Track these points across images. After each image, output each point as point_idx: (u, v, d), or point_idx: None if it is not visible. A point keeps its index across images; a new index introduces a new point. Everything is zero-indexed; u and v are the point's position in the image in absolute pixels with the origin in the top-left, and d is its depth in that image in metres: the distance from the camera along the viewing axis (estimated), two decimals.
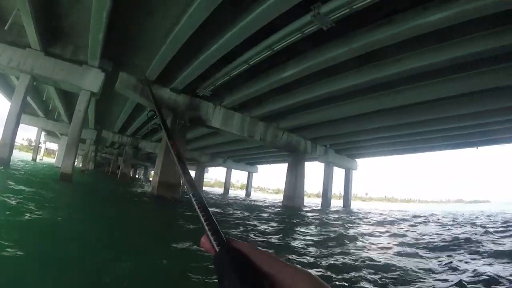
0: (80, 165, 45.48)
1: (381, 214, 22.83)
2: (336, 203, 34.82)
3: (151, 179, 63.47)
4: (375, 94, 15.12)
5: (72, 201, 9.48)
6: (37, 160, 47.72)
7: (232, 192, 66.16)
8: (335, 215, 18.69)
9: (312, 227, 11.76)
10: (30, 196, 8.10)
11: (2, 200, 6.70)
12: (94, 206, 9.68)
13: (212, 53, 12.60)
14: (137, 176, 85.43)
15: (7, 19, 13.28)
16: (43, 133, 48.58)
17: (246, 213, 14.85)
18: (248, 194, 55.35)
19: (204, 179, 57.63)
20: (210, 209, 0.60)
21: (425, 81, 13.08)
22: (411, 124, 18.71)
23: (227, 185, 54.55)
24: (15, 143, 16.92)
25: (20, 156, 40.45)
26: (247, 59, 12.98)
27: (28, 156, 55.07)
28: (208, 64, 13.90)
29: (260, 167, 55.53)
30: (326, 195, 30.00)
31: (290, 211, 19.27)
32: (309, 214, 18.23)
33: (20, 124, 17.07)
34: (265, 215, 15.06)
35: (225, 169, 53.66)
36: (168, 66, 14.93)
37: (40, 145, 53.00)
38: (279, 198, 46.73)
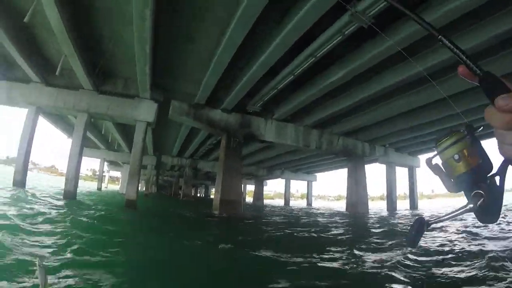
0: (144, 189, 47.84)
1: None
2: (402, 205, 32.94)
3: (212, 196, 65.13)
4: (425, 86, 14.18)
5: (140, 235, 9.86)
6: (102, 188, 50.91)
7: (293, 203, 65.60)
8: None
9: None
10: (100, 230, 8.52)
11: (72, 234, 7.12)
12: (159, 235, 9.99)
13: (256, 70, 12.75)
14: (198, 195, 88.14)
15: (57, 65, 14.34)
16: (105, 163, 51.98)
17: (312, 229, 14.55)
18: (309, 203, 54.60)
19: (264, 192, 57.80)
20: None
21: (491, 56, 11.73)
22: (471, 110, 16.94)
23: (287, 196, 54.20)
24: (80, 174, 18.27)
25: (85, 186, 43.69)
26: (292, 70, 12.92)
27: (93, 185, 59.15)
28: (254, 81, 14.08)
29: (319, 175, 54.56)
30: (390, 198, 28.58)
31: (357, 220, 18.52)
32: (384, 223, 17.24)
33: (84, 157, 18.37)
34: (334, 230, 14.56)
35: (283, 180, 53.46)
36: (216, 88, 15.38)
37: (104, 174, 56.51)
38: (341, 205, 45.51)
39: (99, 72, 16.24)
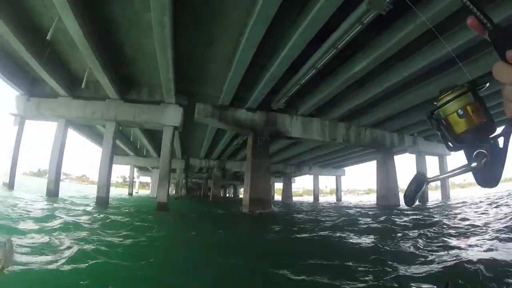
0: (174, 193, 48.63)
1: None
2: (433, 196, 31.84)
3: (241, 196, 65.50)
4: (456, 67, 13.57)
5: (175, 234, 10.10)
6: (133, 193, 52.21)
7: (322, 199, 64.98)
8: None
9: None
10: (134, 233, 8.73)
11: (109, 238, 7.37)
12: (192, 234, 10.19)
13: (277, 67, 12.76)
14: (227, 195, 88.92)
15: (82, 78, 14.96)
16: (135, 169, 53.30)
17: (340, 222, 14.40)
18: (339, 198, 53.90)
19: (292, 189, 57.62)
20: None
21: None
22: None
23: (316, 192, 53.71)
24: (111, 181, 18.93)
25: (116, 192, 45.00)
26: (314, 63, 12.82)
27: (124, 191, 60.63)
28: (276, 78, 14.08)
29: (347, 169, 53.86)
30: None
31: (390, 213, 18.10)
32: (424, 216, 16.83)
33: (114, 164, 18.99)
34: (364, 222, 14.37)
35: (311, 176, 53.09)
36: (239, 88, 15.50)
37: (134, 180, 57.89)
38: (371, 198, 44.69)
39: (124, 82, 16.77)
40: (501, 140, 0.65)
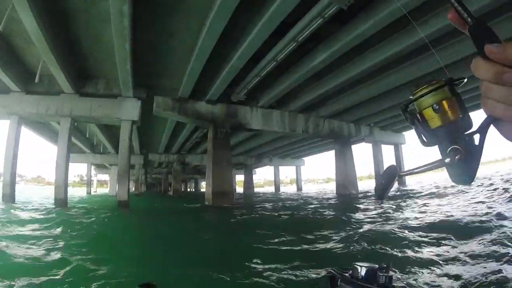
0: (133, 189, 47.36)
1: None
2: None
3: (202, 190, 64.94)
4: (413, 60, 14.23)
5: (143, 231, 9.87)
6: (92, 192, 50.27)
7: (283, 189, 66.16)
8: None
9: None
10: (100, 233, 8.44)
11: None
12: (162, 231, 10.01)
13: (238, 59, 12.65)
14: (188, 190, 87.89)
15: (36, 72, 14.05)
16: (92, 167, 51.26)
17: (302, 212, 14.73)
18: (299, 188, 55.14)
19: (254, 181, 58.03)
20: None
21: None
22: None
23: (277, 183, 54.56)
24: (68, 181, 18.04)
25: (73, 192, 43.23)
26: (274, 56, 12.82)
27: (81, 190, 58.17)
28: (237, 70, 13.97)
29: (307, 159, 55.03)
30: (378, 176, 28.94)
31: (349, 201, 18.78)
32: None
33: (70, 163, 18.04)
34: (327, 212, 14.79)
35: (272, 167, 53.74)
36: (199, 80, 15.21)
37: (91, 178, 55.72)
38: (331, 187, 46.04)
39: (80, 75, 15.92)
40: (477, 137, 0.63)
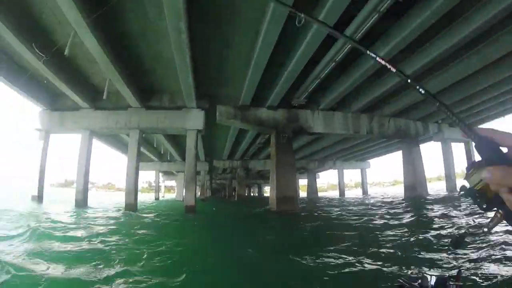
0: (199, 194, 49.19)
1: None
2: (462, 183, 30.88)
3: (266, 194, 65.33)
4: (476, 48, 13.15)
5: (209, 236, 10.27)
6: (160, 198, 53.09)
7: (348, 193, 64.26)
8: None
9: None
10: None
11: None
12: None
13: (296, 63, 12.70)
14: (252, 194, 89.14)
15: (103, 89, 15.38)
16: (160, 173, 54.22)
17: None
18: (365, 191, 53.14)
19: (317, 185, 57.16)
20: None
21: None
22: None
23: (341, 187, 53.05)
24: None
25: (143, 197, 46.04)
26: (332, 56, 12.67)
27: (150, 196, 61.71)
28: (295, 74, 14.03)
29: (372, 161, 52.96)
30: (449, 177, 26.85)
31: (419, 204, 17.73)
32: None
33: (140, 171, 19.45)
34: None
35: (336, 171, 52.54)
36: (259, 87, 15.57)
37: (159, 185, 58.89)
38: (398, 190, 43.80)
39: (145, 90, 17.13)
40: None
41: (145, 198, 49.59)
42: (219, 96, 17.98)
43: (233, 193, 54.30)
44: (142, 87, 16.98)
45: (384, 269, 4.89)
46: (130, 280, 4.26)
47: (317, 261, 5.41)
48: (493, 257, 4.78)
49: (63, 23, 10.72)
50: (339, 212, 17.02)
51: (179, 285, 4.17)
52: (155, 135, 25.18)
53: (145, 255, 5.68)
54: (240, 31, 11.56)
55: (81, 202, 17.83)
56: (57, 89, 15.88)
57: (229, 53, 13.28)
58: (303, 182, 61.87)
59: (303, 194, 62.38)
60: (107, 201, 31.25)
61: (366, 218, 12.80)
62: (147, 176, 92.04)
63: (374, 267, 5.00)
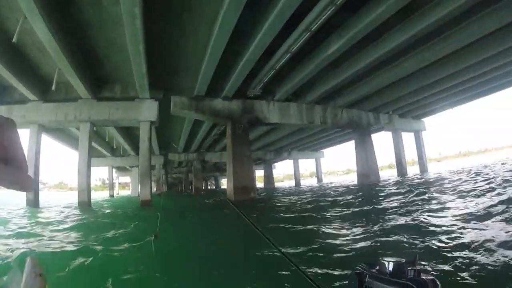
0: (155, 190, 47.96)
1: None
2: (412, 171, 32.87)
3: (223, 186, 65.30)
4: (428, 44, 13.95)
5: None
6: (114, 195, 51.20)
7: (303, 182, 65.80)
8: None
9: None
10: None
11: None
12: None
13: (252, 52, 12.59)
14: (209, 187, 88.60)
15: (52, 80, 14.45)
16: (114, 169, 52.12)
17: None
18: (319, 180, 54.73)
19: (273, 175, 57.98)
20: None
21: (484, 10, 11.53)
22: (473, 66, 16.58)
23: (297, 177, 54.29)
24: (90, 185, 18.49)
25: (97, 195, 44.27)
26: (288, 47, 12.72)
27: (104, 194, 59.22)
28: (251, 65, 13.94)
29: (326, 151, 54.54)
30: (400, 164, 28.39)
31: (371, 190, 18.50)
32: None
33: (91, 167, 18.43)
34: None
35: (291, 161, 53.54)
36: (214, 77, 15.28)
37: (113, 181, 56.58)
38: (351, 178, 45.53)
39: (96, 80, 16.22)
40: None
41: (98, 196, 47.51)
42: (174, 87, 17.42)
43: (190, 187, 53.58)
44: (94, 77, 16.02)
45: (341, 255, 4.99)
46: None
47: (273, 249, 5.40)
48: (450, 242, 4.98)
49: (14, 9, 9.87)
50: (295, 199, 17.36)
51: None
52: (107, 128, 24.04)
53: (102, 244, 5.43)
54: (197, 18, 11.18)
55: (33, 202, 16.52)
56: (4, 80, 14.51)
57: (184, 42, 12.85)
58: (260, 173, 62.41)
59: (260, 185, 62.99)
60: (59, 201, 29.59)
61: (321, 204, 13.15)
62: (100, 173, 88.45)
63: (333, 254, 5.08)
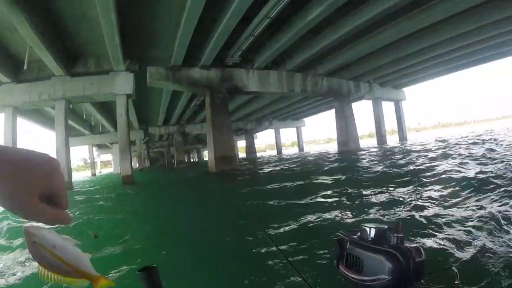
0: (137, 166, 47.51)
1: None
2: (391, 139, 33.54)
3: (205, 158, 65.27)
4: (408, 15, 13.87)
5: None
6: (97, 174, 50.40)
7: (285, 151, 66.46)
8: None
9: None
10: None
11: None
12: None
13: (230, 18, 12.11)
14: (192, 160, 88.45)
15: (24, 60, 13.71)
16: (94, 148, 51.09)
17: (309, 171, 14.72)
18: (301, 149, 55.32)
19: (255, 145, 58.20)
20: None
21: None
22: (454, 39, 16.93)
23: (278, 146, 54.75)
24: (72, 166, 18.02)
25: (79, 176, 43.49)
26: (267, 12, 12.30)
27: (86, 173, 58.33)
28: (229, 31, 13.44)
29: (307, 120, 54.83)
30: (380, 133, 28.95)
31: (351, 157, 18.77)
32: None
33: (71, 146, 17.90)
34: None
35: (273, 130, 53.67)
36: (191, 45, 14.74)
37: (95, 160, 55.60)
38: (332, 147, 46.15)
39: (68, 55, 15.45)
40: None
41: (81, 176, 46.68)
42: (150, 57, 16.74)
43: (172, 160, 53.20)
44: (66, 53, 15.22)
45: (323, 223, 4.99)
46: None
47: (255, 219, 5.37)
48: (431, 210, 5.02)
49: None
50: (278, 168, 17.50)
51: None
52: (83, 105, 23.22)
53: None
54: None
55: None
56: None
57: (159, 10, 12.26)
58: (241, 143, 62.50)
59: (242, 155, 63.27)
60: None
61: (303, 171, 13.27)
62: (81, 153, 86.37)
63: (314, 220, 5.08)
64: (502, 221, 3.84)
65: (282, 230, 4.75)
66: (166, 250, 4.38)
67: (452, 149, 13.17)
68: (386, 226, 0.97)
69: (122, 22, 11.85)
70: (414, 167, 9.99)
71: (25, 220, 0.42)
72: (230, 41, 14.88)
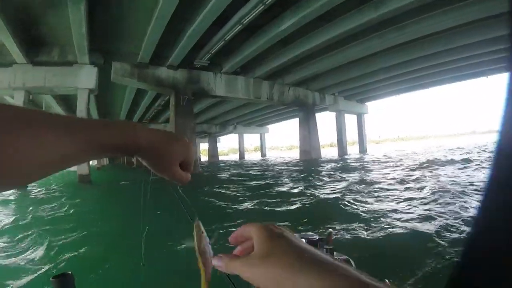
0: (96, 163, 45.59)
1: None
2: (352, 150, 34.49)
3: None
4: (378, 33, 14.42)
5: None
6: None
7: (248, 156, 66.48)
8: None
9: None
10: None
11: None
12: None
13: (202, 20, 11.91)
14: None
15: None
16: None
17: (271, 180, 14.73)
18: (263, 155, 55.63)
19: (218, 149, 57.79)
20: None
21: (430, 12, 12.40)
22: (417, 60, 17.97)
23: (241, 151, 54.68)
24: None
25: None
26: (240, 18, 12.23)
27: None
28: (200, 33, 13.20)
29: (271, 127, 55.26)
30: (341, 144, 29.71)
31: (311, 165, 19.06)
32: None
33: None
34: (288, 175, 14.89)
35: (236, 135, 53.54)
36: (160, 44, 14.30)
37: None
38: (294, 154, 46.82)
39: (32, 43, 14.44)
40: None
41: None
42: (116, 52, 16.07)
43: (133, 160, 51.49)
44: (30, 38, 14.14)
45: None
46: None
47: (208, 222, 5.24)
48: (364, 222, 5.13)
49: None
50: (237, 172, 17.40)
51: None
52: (44, 97, 21.79)
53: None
54: None
55: None
56: None
57: (130, 4, 11.81)
58: (204, 146, 61.81)
59: (204, 158, 62.52)
60: None
61: (262, 177, 13.26)
62: None
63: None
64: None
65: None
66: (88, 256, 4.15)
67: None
68: (317, 237, 0.92)
69: (91, 11, 11.25)
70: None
71: None
72: (200, 43, 14.62)
